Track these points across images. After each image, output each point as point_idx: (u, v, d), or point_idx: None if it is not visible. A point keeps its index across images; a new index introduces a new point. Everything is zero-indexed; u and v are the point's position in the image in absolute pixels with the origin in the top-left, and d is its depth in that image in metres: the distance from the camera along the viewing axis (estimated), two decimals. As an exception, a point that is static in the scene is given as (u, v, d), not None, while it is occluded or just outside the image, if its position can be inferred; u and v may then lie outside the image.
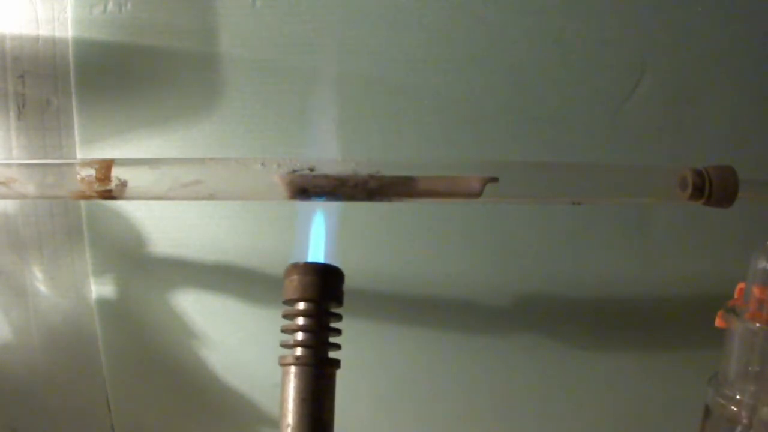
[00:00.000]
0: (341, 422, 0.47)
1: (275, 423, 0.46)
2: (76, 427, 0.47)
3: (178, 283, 0.44)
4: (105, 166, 0.28)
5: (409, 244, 0.43)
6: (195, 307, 0.44)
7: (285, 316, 0.27)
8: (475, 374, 0.46)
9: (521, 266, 0.43)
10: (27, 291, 0.44)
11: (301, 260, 0.27)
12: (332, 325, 0.27)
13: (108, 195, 0.29)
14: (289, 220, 0.42)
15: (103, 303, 0.44)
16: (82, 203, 0.42)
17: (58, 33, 0.40)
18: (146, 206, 0.42)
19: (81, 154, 0.41)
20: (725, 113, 0.41)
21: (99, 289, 0.44)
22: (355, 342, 0.44)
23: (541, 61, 0.40)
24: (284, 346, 0.26)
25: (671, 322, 0.44)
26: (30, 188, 0.29)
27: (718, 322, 0.31)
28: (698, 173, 0.29)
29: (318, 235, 0.30)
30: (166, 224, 0.43)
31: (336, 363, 0.27)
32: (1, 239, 0.43)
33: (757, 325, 0.29)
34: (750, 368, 0.30)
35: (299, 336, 0.26)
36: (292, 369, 0.26)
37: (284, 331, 0.27)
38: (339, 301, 0.27)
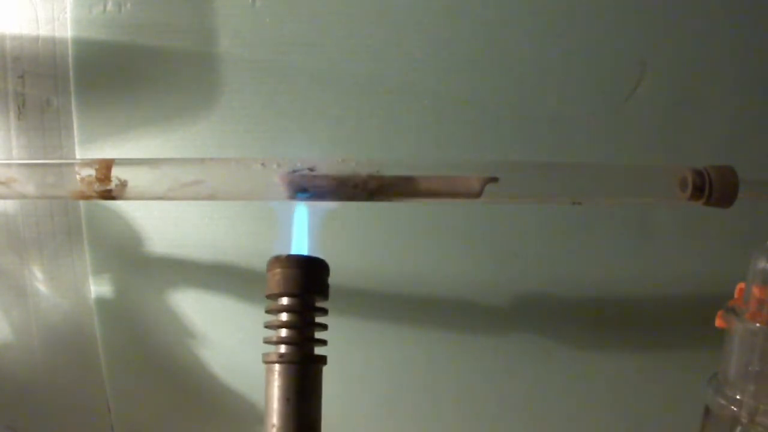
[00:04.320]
0: (341, 423, 0.47)
1: (275, 423, 0.47)
2: (76, 427, 0.47)
3: (177, 284, 0.44)
4: (105, 166, 0.28)
5: (409, 243, 0.43)
6: (194, 307, 0.44)
7: (268, 312, 0.26)
8: (475, 374, 0.46)
9: (521, 266, 0.43)
10: (27, 291, 0.44)
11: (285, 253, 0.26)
12: (318, 320, 0.26)
13: (108, 195, 0.29)
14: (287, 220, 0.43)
15: (102, 303, 0.44)
16: (82, 203, 0.42)
17: (58, 33, 0.40)
18: (146, 206, 0.42)
19: (80, 154, 0.41)
20: (725, 113, 0.41)
21: (98, 289, 0.44)
22: (354, 342, 0.44)
23: (541, 61, 0.40)
24: (268, 342, 0.25)
25: (671, 322, 0.44)
26: (30, 188, 0.29)
27: (718, 322, 0.31)
28: (698, 173, 0.28)
29: (301, 228, 0.29)
30: (166, 224, 0.43)
31: (322, 360, 0.25)
32: (1, 239, 0.43)
33: (757, 325, 0.29)
34: (750, 368, 0.30)
35: (283, 332, 0.25)
36: (276, 367, 0.24)
37: (268, 327, 0.26)
38: (324, 295, 0.26)
